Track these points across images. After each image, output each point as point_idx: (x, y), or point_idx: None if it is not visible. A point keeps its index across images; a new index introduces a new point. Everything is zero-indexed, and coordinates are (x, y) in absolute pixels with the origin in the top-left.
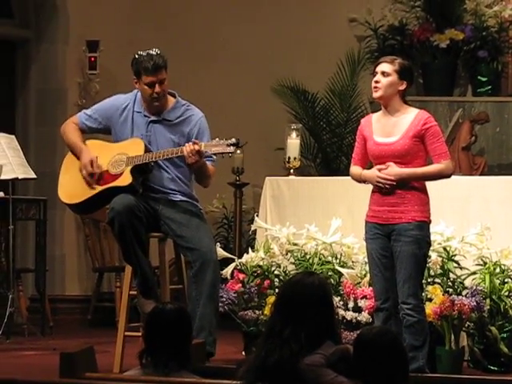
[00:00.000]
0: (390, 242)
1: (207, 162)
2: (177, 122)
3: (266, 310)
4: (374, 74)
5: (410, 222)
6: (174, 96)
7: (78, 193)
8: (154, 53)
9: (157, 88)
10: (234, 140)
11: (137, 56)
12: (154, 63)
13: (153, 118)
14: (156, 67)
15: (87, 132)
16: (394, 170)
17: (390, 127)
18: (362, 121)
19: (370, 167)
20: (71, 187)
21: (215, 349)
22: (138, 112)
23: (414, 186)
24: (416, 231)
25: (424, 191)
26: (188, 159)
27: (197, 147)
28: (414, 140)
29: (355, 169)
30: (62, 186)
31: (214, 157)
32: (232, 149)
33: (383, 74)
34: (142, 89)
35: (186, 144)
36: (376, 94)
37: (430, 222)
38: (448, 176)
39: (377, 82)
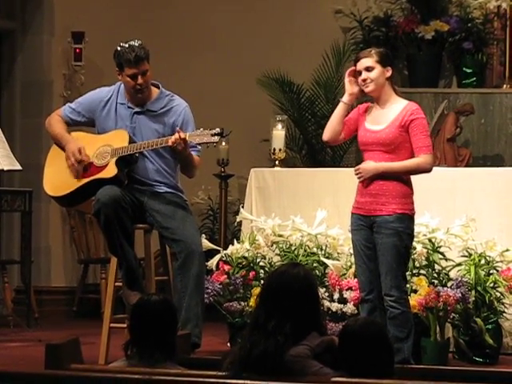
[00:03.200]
0: (372, 234)
1: (192, 153)
2: (161, 112)
3: (251, 302)
4: (356, 72)
5: (390, 214)
6: (158, 87)
7: (63, 185)
8: (135, 44)
9: (139, 79)
10: (218, 130)
11: (119, 48)
12: (135, 55)
13: (137, 109)
14: (138, 59)
15: (71, 125)
16: (371, 164)
17: (379, 117)
18: (362, 105)
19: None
20: (56, 180)
21: (201, 340)
22: (122, 104)
23: (396, 178)
24: (396, 223)
25: (407, 183)
26: (174, 148)
27: (182, 135)
28: (399, 130)
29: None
30: (47, 179)
31: (199, 147)
32: (216, 138)
33: (367, 69)
34: (124, 81)
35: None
36: (368, 89)
37: (413, 214)
38: (427, 171)
39: (364, 79)
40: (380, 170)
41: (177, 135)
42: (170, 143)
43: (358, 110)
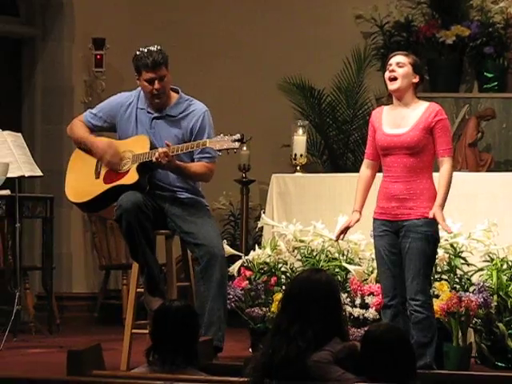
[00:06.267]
0: (398, 239)
1: (203, 160)
2: (180, 117)
3: (273, 307)
4: (386, 67)
5: (419, 218)
6: (177, 92)
7: (85, 191)
8: (154, 49)
9: (156, 84)
10: (238, 135)
11: (137, 53)
12: (153, 59)
13: (156, 114)
14: (155, 64)
15: (93, 131)
16: (439, 213)
17: (399, 119)
18: (373, 112)
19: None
20: (78, 186)
21: (223, 344)
22: (142, 109)
23: (423, 182)
24: (425, 227)
25: (432, 187)
26: (158, 163)
27: (164, 150)
28: (424, 132)
29: (363, 175)
30: (68, 185)
31: (212, 154)
32: (237, 144)
33: (398, 64)
34: (142, 85)
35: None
36: (393, 86)
37: None
38: None
39: (392, 71)
40: (442, 207)
41: (160, 150)
42: (153, 158)
43: (372, 122)
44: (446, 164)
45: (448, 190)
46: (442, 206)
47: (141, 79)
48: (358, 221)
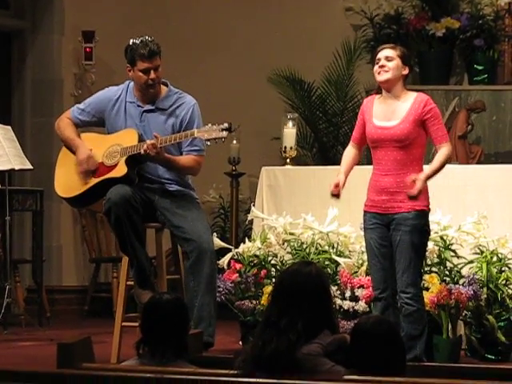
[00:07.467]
0: (389, 232)
1: (192, 153)
2: (170, 110)
3: (263, 300)
4: (375, 61)
5: (409, 211)
6: (166, 85)
7: (74, 186)
8: (148, 39)
9: (152, 74)
10: (226, 125)
11: (131, 43)
12: (149, 49)
13: (146, 107)
14: (152, 53)
15: (81, 126)
16: (420, 182)
17: (390, 112)
18: (365, 101)
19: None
20: (67, 181)
21: (214, 339)
22: (131, 102)
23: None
24: (415, 220)
25: None
26: (147, 155)
27: (153, 141)
28: (414, 125)
29: (348, 151)
30: (58, 180)
31: (201, 146)
32: (225, 133)
33: (387, 58)
34: (136, 76)
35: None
36: (383, 77)
37: (430, 210)
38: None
39: (382, 66)
40: (428, 179)
41: (149, 142)
42: (142, 150)
43: (362, 111)
44: (444, 147)
45: (440, 168)
46: (428, 177)
47: (135, 70)
48: (344, 182)
